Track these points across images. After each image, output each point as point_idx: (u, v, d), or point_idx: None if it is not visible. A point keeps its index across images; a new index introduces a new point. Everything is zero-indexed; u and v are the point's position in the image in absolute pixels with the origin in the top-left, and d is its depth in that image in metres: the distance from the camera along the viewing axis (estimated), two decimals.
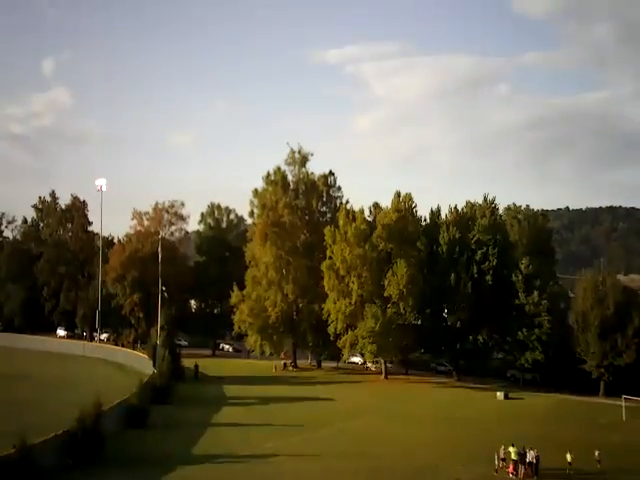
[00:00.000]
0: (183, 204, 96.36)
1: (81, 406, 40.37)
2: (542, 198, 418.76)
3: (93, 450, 38.81)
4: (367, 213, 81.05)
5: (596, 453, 40.88)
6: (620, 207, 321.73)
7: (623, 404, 57.66)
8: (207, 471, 38.14)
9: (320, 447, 44.14)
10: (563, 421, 55.91)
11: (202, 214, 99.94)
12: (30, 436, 33.94)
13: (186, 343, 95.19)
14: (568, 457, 38.58)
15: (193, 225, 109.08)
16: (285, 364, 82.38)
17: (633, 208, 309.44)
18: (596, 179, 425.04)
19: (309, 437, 47.12)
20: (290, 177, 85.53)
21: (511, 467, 38.51)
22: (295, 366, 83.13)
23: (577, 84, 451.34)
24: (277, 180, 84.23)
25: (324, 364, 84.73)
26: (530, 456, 38.61)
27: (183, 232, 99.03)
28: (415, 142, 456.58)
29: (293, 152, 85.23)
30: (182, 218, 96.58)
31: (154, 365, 67.80)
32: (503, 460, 39.22)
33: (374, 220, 79.77)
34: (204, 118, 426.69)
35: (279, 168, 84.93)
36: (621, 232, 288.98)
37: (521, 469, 38.29)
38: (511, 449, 39.06)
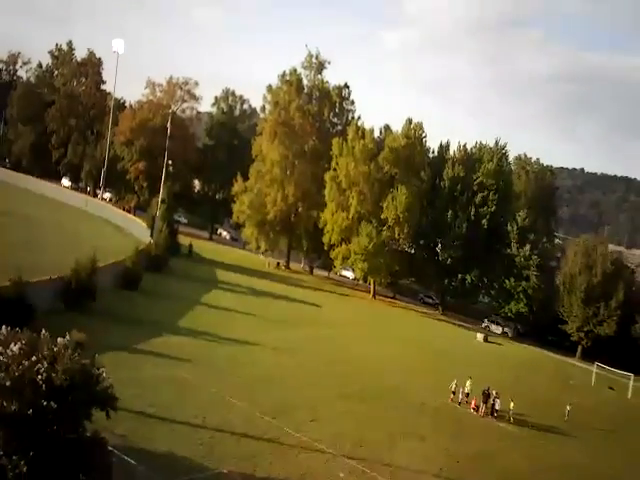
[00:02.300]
0: (197, 83, 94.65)
1: (78, 256, 41.42)
2: (557, 155, 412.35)
3: (84, 300, 40.23)
4: (377, 133, 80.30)
5: (567, 407, 42.94)
6: (635, 179, 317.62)
7: (594, 370, 59.66)
8: (190, 344, 39.71)
9: (299, 346, 45.88)
10: (535, 373, 57.85)
11: (216, 98, 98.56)
12: (26, 274, 34.97)
13: (185, 221, 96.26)
14: (511, 405, 40.05)
15: (205, 107, 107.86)
16: (278, 263, 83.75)
17: None
18: (615, 146, 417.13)
19: (290, 334, 48.72)
20: (305, 81, 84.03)
21: (473, 403, 40.33)
22: (288, 267, 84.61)
23: (611, 45, 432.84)
24: (292, 81, 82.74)
25: (316, 272, 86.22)
26: (492, 397, 40.30)
27: (195, 112, 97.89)
28: (439, 71, 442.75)
29: (311, 56, 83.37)
30: (194, 97, 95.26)
31: (151, 235, 68.87)
32: (467, 395, 41.01)
33: (382, 142, 78.79)
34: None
35: (295, 70, 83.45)
36: (632, 204, 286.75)
37: (482, 407, 40.02)
38: (468, 382, 40.97)
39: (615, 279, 71.32)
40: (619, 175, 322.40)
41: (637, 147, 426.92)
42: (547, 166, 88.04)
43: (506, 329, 74.77)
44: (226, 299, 56.03)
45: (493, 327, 75.17)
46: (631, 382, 58.05)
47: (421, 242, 79.68)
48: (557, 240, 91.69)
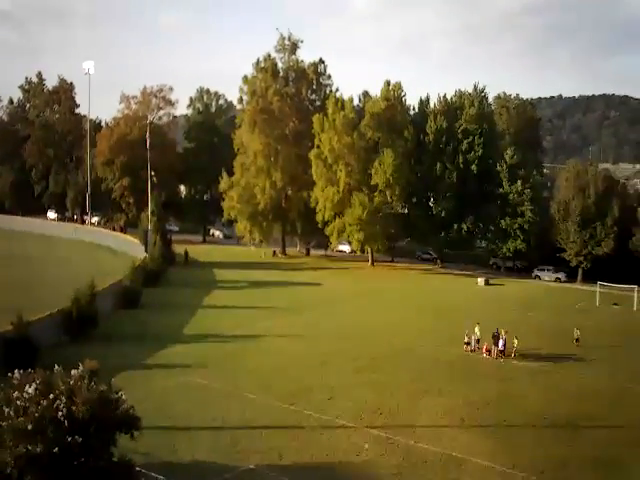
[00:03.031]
0: (172, 89, 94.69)
1: (75, 285, 41.78)
2: (536, 86, 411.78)
3: (87, 327, 40.72)
4: (357, 102, 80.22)
5: (577, 332, 43.75)
6: (613, 95, 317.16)
7: (598, 290, 60.36)
8: (197, 349, 40.25)
9: (305, 328, 46.42)
10: (540, 306, 58.52)
11: (191, 98, 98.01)
12: (28, 313, 35.45)
13: (177, 229, 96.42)
14: (515, 342, 40.66)
15: (182, 110, 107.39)
16: (274, 251, 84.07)
17: (626, 96, 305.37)
18: (592, 67, 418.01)
19: (294, 319, 49.33)
20: (280, 64, 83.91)
21: (485, 347, 40.95)
22: (284, 253, 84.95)
23: None
24: (267, 67, 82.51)
25: (313, 252, 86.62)
26: (502, 337, 40.92)
27: (171, 117, 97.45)
28: (412, 27, 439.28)
29: (283, 39, 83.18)
30: (170, 103, 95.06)
31: (145, 249, 69.16)
32: (478, 341, 41.63)
33: (363, 109, 78.51)
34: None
35: (269, 55, 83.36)
36: (613, 120, 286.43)
37: (494, 350, 40.68)
38: (476, 329, 41.66)
39: (608, 197, 71.91)
40: (597, 94, 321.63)
41: (613, 63, 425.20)
42: (527, 99, 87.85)
43: (559, 274, 73.20)
44: (227, 297, 56.61)
45: (544, 275, 73.63)
46: (635, 294, 58.87)
47: (414, 200, 79.99)
48: (545, 170, 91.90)
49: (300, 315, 50.78)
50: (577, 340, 43.48)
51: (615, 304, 59.10)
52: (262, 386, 33.64)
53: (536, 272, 74.16)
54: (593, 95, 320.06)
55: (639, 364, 40.51)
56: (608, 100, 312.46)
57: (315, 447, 27.00)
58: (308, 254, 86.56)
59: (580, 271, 72.42)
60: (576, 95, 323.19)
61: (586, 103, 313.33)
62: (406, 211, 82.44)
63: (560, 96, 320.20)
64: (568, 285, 70.45)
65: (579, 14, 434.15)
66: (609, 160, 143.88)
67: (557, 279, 72.61)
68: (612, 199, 71.64)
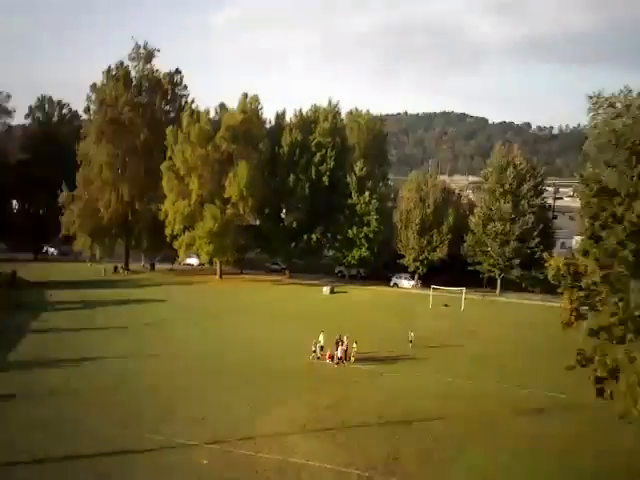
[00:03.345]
0: (9, 96, 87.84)
1: None
2: (384, 103, 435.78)
3: None
4: (213, 114, 79.26)
5: (411, 334, 46.26)
6: (453, 112, 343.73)
7: (431, 294, 64.54)
8: (20, 376, 37.02)
9: (144, 348, 44.25)
10: (380, 310, 61.32)
11: (30, 107, 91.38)
12: None
13: (5, 247, 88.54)
14: (354, 347, 42.21)
15: (19, 119, 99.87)
16: (116, 267, 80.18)
17: (464, 114, 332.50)
18: (435, 86, 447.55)
19: (130, 341, 46.33)
20: (133, 73, 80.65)
21: (328, 354, 41.95)
22: (127, 269, 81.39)
23: None
24: (119, 76, 78.90)
25: (158, 266, 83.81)
26: (345, 343, 42.23)
27: (6, 126, 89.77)
28: (269, 44, 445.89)
29: (138, 47, 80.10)
30: (7, 112, 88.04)
31: None
32: (322, 348, 42.57)
33: (220, 121, 77.87)
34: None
35: (122, 63, 79.81)
36: (451, 136, 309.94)
37: (336, 356, 41.77)
38: (320, 336, 42.67)
39: (445, 206, 77.23)
40: (438, 112, 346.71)
41: (451, 83, 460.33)
42: (376, 115, 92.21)
43: (413, 282, 76.54)
44: (58, 319, 52.48)
45: (403, 282, 76.55)
46: (463, 296, 63.89)
47: (266, 212, 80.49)
48: (390, 182, 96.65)
49: (138, 335, 48.14)
50: (411, 341, 45.99)
51: (445, 305, 63.58)
52: (92, 409, 31.76)
53: (394, 280, 77.26)
54: (434, 112, 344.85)
55: (465, 361, 43.71)
56: (447, 117, 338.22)
57: (150, 469, 25.93)
58: (153, 269, 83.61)
59: (417, 276, 76.94)
60: (420, 112, 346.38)
61: (428, 120, 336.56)
62: (257, 222, 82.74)
63: (405, 112, 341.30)
64: (407, 290, 74.53)
65: (423, 37, 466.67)
66: (446, 172, 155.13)
67: (414, 285, 75.85)
68: (448, 208, 77.24)
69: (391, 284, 76.78)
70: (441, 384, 38.15)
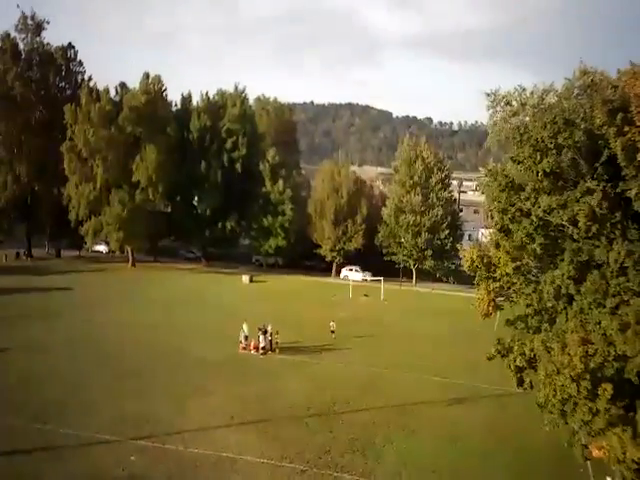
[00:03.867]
0: None
1: None
2: (290, 91, 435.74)
3: None
4: (113, 93, 75.55)
5: (331, 324, 46.67)
6: (358, 104, 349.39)
7: (351, 283, 65.42)
8: None
9: (55, 339, 41.99)
10: (301, 300, 61.51)
11: None
12: None
13: None
14: (277, 337, 41.88)
15: None
16: (18, 253, 75.42)
17: (368, 106, 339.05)
18: (339, 77, 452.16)
19: (41, 329, 44.10)
20: (22, 46, 75.67)
21: (252, 344, 41.56)
22: (30, 255, 76.65)
23: None
24: (6, 48, 73.91)
25: (65, 253, 79.57)
26: (269, 333, 42.00)
27: None
28: (168, 22, 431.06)
29: (25, 17, 75.11)
30: None
31: None
32: (246, 338, 42.08)
33: (121, 101, 74.52)
34: None
35: (8, 35, 74.67)
36: (358, 127, 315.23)
37: (261, 345, 41.45)
38: (244, 326, 42.14)
39: (358, 196, 78.37)
40: (344, 102, 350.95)
41: (356, 74, 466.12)
42: (284, 104, 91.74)
43: (365, 274, 75.24)
44: None
45: (352, 275, 74.11)
46: (381, 285, 65.25)
47: (178, 198, 78.33)
48: (302, 171, 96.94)
49: (48, 323, 45.71)
50: (333, 331, 46.51)
51: (365, 295, 64.72)
52: (5, 407, 29.73)
53: (344, 272, 75.94)
54: (341, 103, 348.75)
55: (388, 351, 44.72)
56: (353, 108, 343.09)
57: (75, 467, 24.66)
58: (59, 256, 79.34)
59: (334, 266, 78.08)
60: (326, 102, 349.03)
61: (335, 110, 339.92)
62: (169, 209, 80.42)
63: (312, 102, 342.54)
64: (325, 279, 75.27)
65: (331, 25, 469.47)
66: (355, 163, 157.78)
67: (364, 278, 74.92)
68: (361, 199, 78.47)
69: (341, 276, 75.47)
70: (365, 374, 38.78)
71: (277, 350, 41.79)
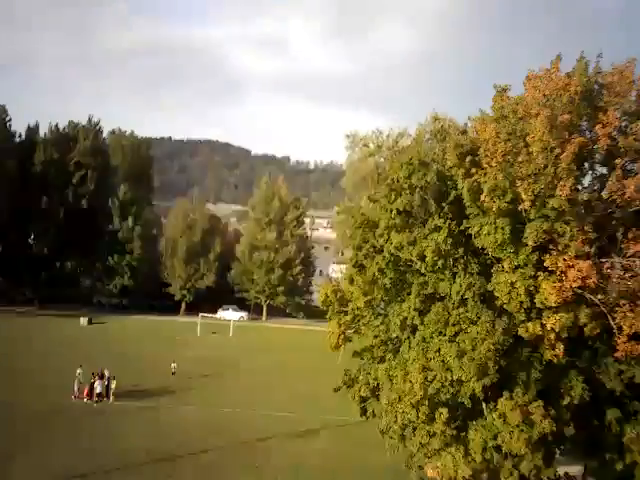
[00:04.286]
0: None
1: None
2: (145, 126, 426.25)
3: None
4: None
5: (172, 365, 44.63)
6: (217, 141, 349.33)
7: (199, 321, 63.47)
8: None
9: None
10: (144, 341, 58.34)
11: None
12: None
13: None
14: (113, 384, 39.05)
15: None
16: None
17: (227, 143, 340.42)
18: (198, 113, 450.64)
19: None
20: None
21: (85, 391, 38.26)
22: None
23: (187, 19, 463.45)
24: None
25: None
26: (105, 378, 38.98)
27: None
28: (16, 47, 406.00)
29: None
30: None
31: None
32: (80, 384, 38.69)
33: None
34: None
35: None
36: (216, 164, 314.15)
37: (96, 392, 38.21)
38: (78, 370, 38.93)
39: (212, 234, 77.07)
40: (203, 139, 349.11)
41: (216, 113, 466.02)
42: (141, 138, 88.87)
43: (242, 313, 73.27)
44: None
45: (228, 315, 70.37)
46: (231, 323, 64.07)
47: (10, 236, 71.91)
48: (154, 208, 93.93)
49: None
50: (174, 373, 44.38)
51: (214, 333, 63.03)
52: None
53: (220, 312, 72.00)
54: (199, 140, 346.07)
55: (232, 390, 43.31)
56: (212, 145, 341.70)
57: None
58: None
59: (183, 304, 75.61)
60: (184, 138, 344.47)
61: (193, 147, 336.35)
62: (0, 248, 73.57)
63: (170, 138, 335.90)
64: (173, 318, 72.27)
65: (187, 61, 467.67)
66: (210, 200, 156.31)
67: (241, 317, 72.30)
68: (215, 236, 77.23)
69: (218, 316, 70.78)
70: (210, 415, 37.21)
71: (112, 397, 38.73)
